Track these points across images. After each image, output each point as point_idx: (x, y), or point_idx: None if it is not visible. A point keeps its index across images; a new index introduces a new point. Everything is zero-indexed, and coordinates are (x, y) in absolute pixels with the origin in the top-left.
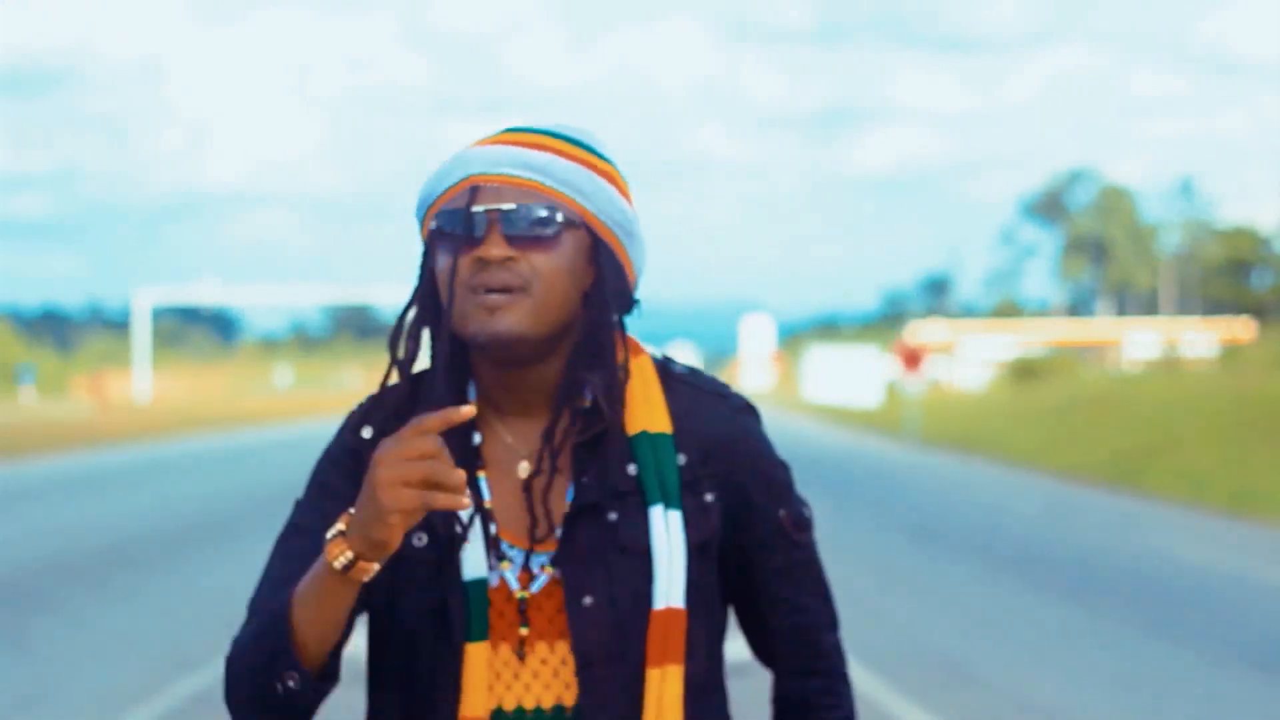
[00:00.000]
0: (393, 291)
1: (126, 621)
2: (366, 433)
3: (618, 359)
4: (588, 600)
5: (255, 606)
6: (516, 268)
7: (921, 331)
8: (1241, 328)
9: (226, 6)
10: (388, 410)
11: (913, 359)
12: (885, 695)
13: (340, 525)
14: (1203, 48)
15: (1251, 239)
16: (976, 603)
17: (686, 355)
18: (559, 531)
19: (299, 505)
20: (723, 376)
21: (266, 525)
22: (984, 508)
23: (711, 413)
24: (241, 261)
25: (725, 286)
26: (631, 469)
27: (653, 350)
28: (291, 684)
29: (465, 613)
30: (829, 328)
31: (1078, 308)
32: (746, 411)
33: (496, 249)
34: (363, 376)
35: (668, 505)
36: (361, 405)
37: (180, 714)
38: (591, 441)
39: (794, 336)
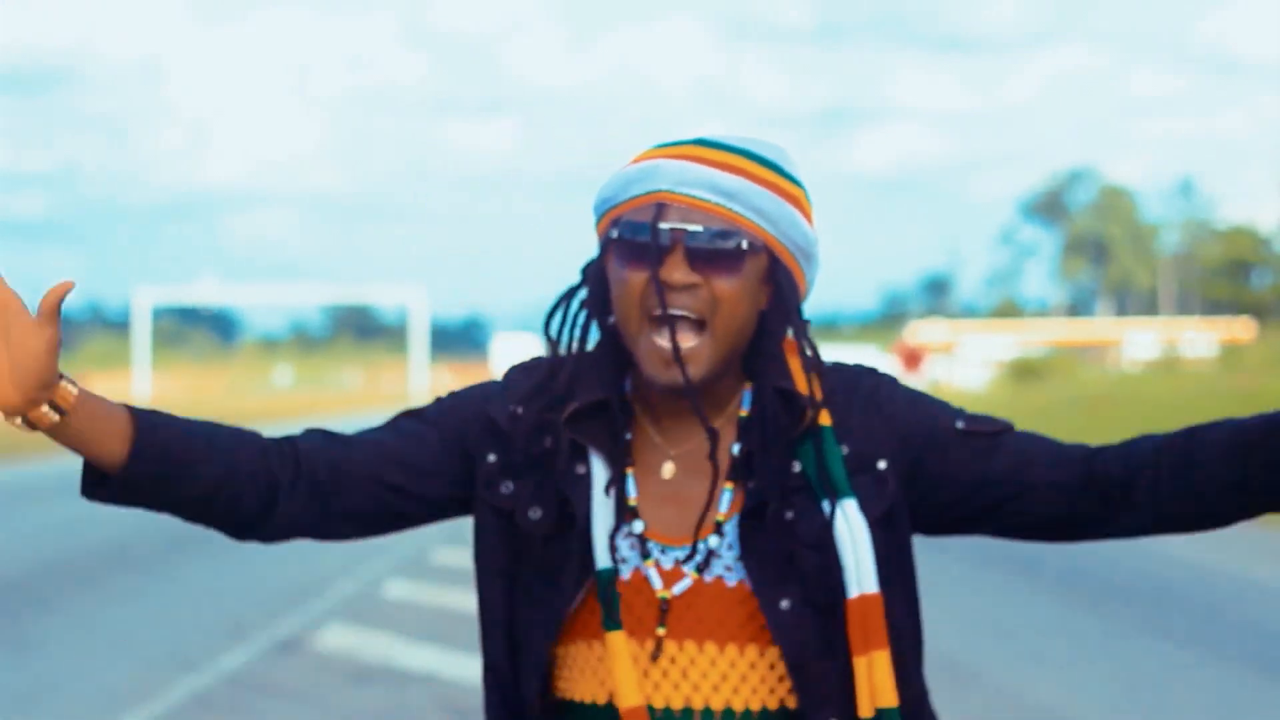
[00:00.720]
0: (392, 292)
1: (125, 622)
2: (518, 409)
3: (819, 369)
4: (785, 604)
5: (318, 433)
6: (698, 293)
7: (921, 331)
8: (1241, 327)
9: (226, 6)
10: (542, 394)
11: (913, 359)
12: None
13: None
14: (1203, 48)
15: (1251, 239)
16: (975, 603)
17: None
18: (729, 538)
19: (409, 411)
20: None
21: None
22: None
23: (857, 386)
24: (241, 261)
25: None
26: (796, 466)
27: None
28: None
29: (604, 600)
30: (829, 327)
31: (1078, 307)
32: (889, 379)
33: (679, 272)
34: (362, 376)
35: (840, 495)
36: (518, 377)
37: (179, 714)
38: (758, 444)
39: None
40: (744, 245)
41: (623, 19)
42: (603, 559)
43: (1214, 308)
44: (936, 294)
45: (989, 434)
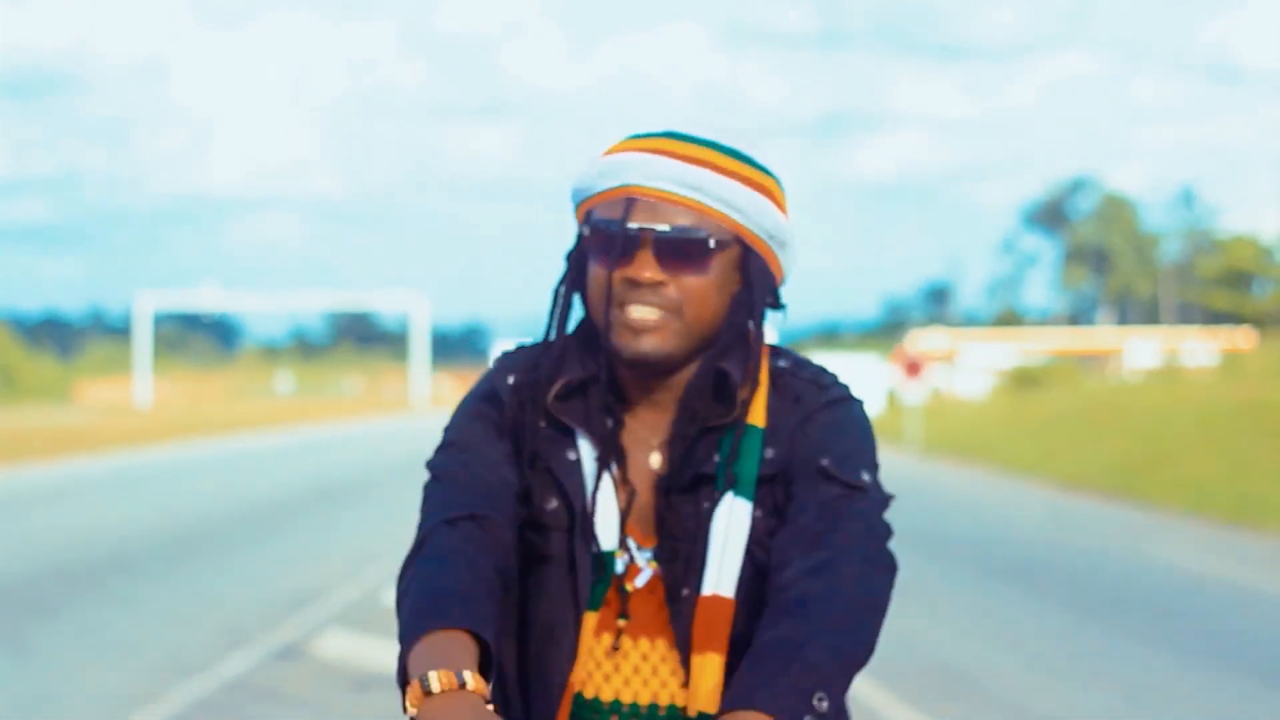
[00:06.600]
0: (394, 298)
1: (127, 627)
2: (510, 379)
3: (756, 357)
4: (685, 591)
5: (426, 531)
6: (665, 291)
7: (922, 340)
8: (1242, 337)
9: (228, 11)
10: (532, 363)
11: (913, 367)
12: (884, 702)
13: (440, 682)
14: (1203, 57)
15: (1253, 248)
16: (976, 611)
17: None
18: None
19: (451, 428)
20: None
21: (267, 531)
22: (984, 516)
23: (804, 402)
24: (243, 267)
25: None
26: (716, 458)
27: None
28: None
29: (589, 581)
30: (830, 336)
31: (1078, 316)
32: (843, 402)
33: (648, 271)
34: (364, 383)
35: (737, 493)
36: (512, 353)
37: None
38: (688, 425)
39: (795, 344)
40: (711, 243)
41: (624, 24)
42: (607, 541)
43: (1215, 317)
44: (937, 302)
45: (835, 477)
